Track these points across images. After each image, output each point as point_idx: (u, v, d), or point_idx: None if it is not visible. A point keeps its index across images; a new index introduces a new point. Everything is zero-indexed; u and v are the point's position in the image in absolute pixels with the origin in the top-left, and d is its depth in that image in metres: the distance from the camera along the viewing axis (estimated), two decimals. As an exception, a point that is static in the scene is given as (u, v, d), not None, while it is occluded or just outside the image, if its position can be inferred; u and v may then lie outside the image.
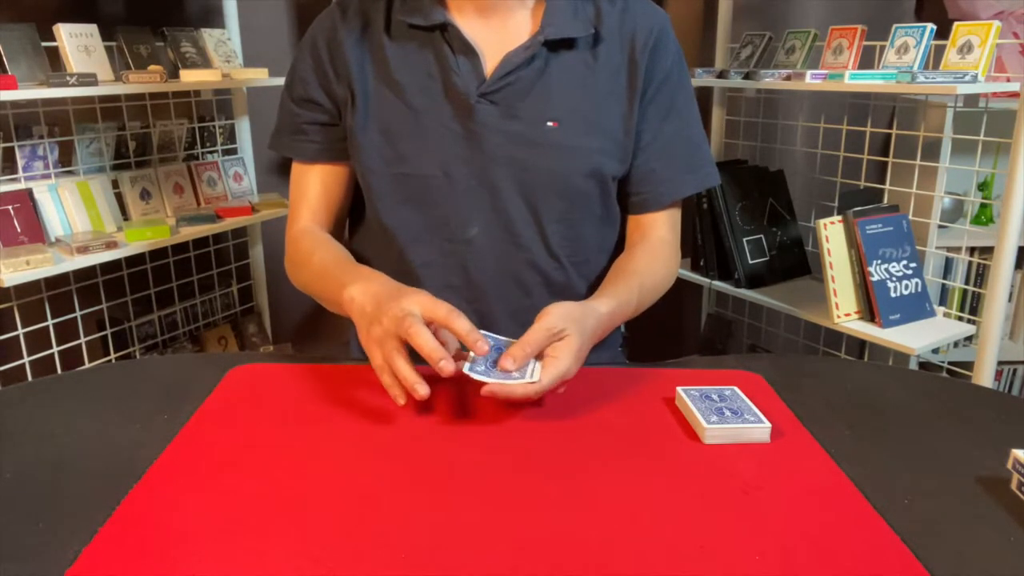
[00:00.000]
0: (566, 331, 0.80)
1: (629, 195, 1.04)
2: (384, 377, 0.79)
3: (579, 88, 0.97)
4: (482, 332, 0.79)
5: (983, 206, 2.13)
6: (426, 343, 0.75)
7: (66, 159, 1.80)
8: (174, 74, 1.83)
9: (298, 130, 1.04)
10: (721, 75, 1.86)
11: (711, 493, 0.66)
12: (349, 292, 0.85)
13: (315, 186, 1.06)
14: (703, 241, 1.91)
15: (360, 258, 1.11)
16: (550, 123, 0.96)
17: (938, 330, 1.55)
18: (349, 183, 1.08)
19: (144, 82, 1.68)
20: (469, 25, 0.97)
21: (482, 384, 0.76)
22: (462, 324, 0.77)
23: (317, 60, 1.01)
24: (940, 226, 1.84)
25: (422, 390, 0.75)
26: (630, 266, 0.99)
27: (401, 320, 0.76)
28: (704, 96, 2.12)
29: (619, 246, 1.07)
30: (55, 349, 1.76)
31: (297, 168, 1.07)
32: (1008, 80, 1.62)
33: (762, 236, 1.86)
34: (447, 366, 0.75)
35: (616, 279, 0.97)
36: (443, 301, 0.79)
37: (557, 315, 0.81)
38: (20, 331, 1.68)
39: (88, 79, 1.56)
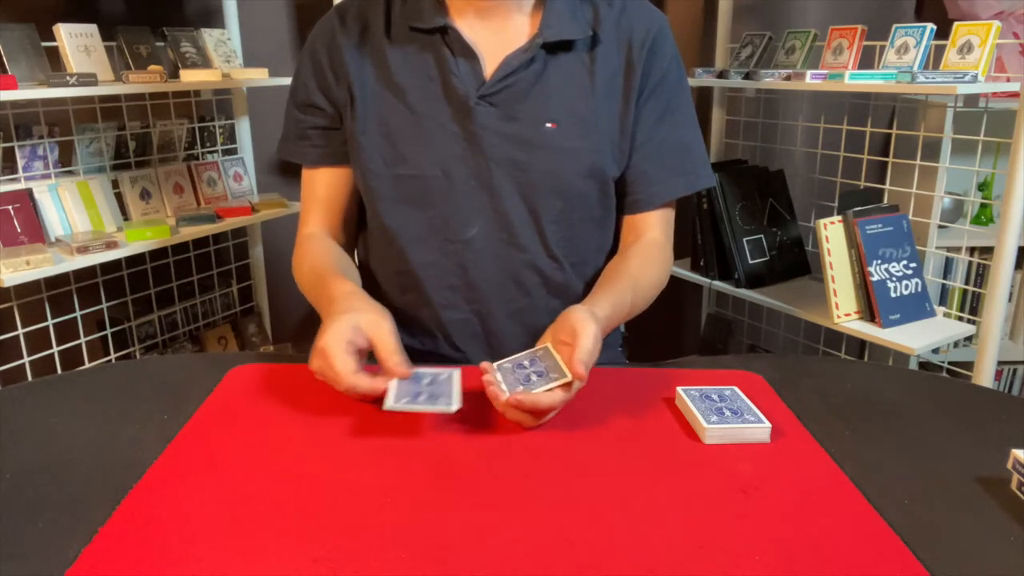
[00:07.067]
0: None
1: (623, 196, 1.04)
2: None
3: (577, 90, 0.97)
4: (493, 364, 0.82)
5: (983, 206, 2.13)
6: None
7: (66, 159, 1.80)
8: (174, 74, 1.83)
9: (302, 135, 1.05)
10: (721, 75, 1.85)
11: (711, 493, 0.66)
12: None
13: (322, 190, 1.07)
14: (703, 241, 1.91)
15: (363, 259, 1.12)
16: (548, 124, 0.96)
17: (938, 330, 1.55)
18: (355, 185, 1.08)
19: (144, 82, 1.68)
20: (469, 28, 0.97)
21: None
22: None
23: (317, 65, 1.01)
24: (940, 226, 1.84)
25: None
26: (625, 270, 0.99)
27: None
28: (704, 96, 2.12)
29: (616, 246, 1.08)
30: (55, 349, 1.76)
31: (305, 172, 1.08)
32: (1008, 80, 1.62)
33: (762, 236, 1.86)
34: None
35: (613, 284, 0.96)
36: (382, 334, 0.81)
37: (594, 336, 0.80)
38: (20, 331, 1.68)
39: (88, 79, 1.56)
